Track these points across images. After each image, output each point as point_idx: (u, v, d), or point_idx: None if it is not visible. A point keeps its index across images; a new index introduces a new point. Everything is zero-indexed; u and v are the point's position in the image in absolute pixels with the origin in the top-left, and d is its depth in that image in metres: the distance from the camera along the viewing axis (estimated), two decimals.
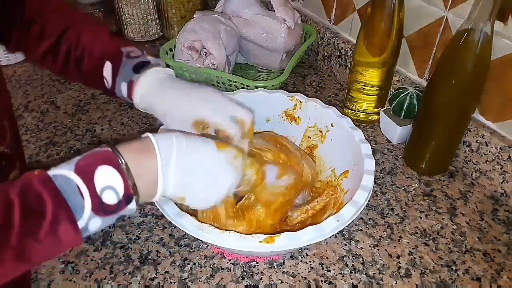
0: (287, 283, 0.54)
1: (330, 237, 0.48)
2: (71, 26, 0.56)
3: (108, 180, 0.38)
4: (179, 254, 0.57)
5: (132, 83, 0.53)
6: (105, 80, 0.55)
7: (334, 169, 0.64)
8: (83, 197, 0.36)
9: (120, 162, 0.39)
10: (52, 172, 0.37)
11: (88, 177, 0.37)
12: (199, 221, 0.48)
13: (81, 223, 0.36)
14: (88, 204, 0.36)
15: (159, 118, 0.54)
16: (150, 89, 0.53)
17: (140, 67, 0.54)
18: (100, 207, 0.37)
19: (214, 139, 0.47)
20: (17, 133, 0.54)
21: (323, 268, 0.56)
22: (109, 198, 0.38)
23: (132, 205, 0.40)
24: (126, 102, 0.86)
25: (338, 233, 0.59)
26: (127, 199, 0.39)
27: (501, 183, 0.66)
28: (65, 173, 0.37)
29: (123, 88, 0.54)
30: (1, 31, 0.56)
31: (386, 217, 0.63)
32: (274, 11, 0.88)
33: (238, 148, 0.50)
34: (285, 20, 0.87)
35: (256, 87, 0.77)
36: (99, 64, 0.55)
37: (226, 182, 0.46)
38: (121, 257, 0.57)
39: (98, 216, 0.37)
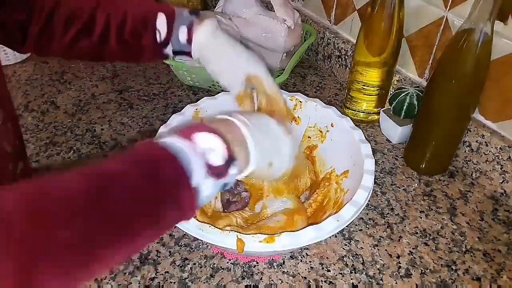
0: (287, 283, 0.54)
1: (330, 237, 0.48)
2: (99, 2, 0.55)
3: (209, 143, 0.38)
4: (179, 254, 0.57)
5: (193, 25, 0.55)
6: (157, 34, 0.55)
7: (334, 169, 0.64)
8: (189, 159, 0.36)
9: (215, 129, 0.40)
10: (161, 141, 0.37)
11: (190, 139, 0.38)
12: (198, 221, 0.48)
13: (194, 183, 0.37)
14: (197, 164, 0.37)
15: (211, 70, 0.57)
16: (207, 40, 0.55)
17: (196, 12, 0.56)
18: (213, 171, 0.38)
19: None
20: (20, 134, 0.54)
21: (323, 268, 0.56)
22: (214, 159, 0.38)
23: (234, 170, 0.40)
24: (126, 103, 0.86)
25: (338, 233, 0.59)
26: (229, 161, 0.39)
27: (501, 183, 0.66)
28: (170, 140, 0.37)
29: (182, 32, 0.55)
30: (18, 30, 0.55)
31: (386, 217, 0.63)
32: (274, 11, 0.88)
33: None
34: (285, 20, 0.87)
35: None
36: (148, 19, 0.55)
37: (288, 150, 0.49)
38: None
39: (208, 177, 0.37)
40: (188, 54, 0.57)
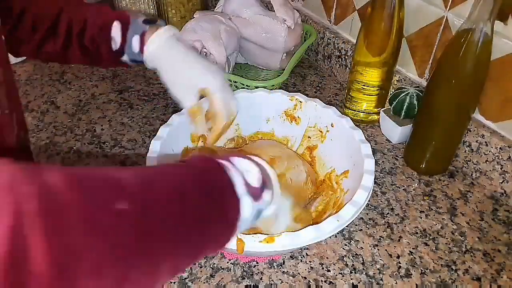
0: (287, 283, 0.54)
1: (330, 237, 0.48)
2: (65, 6, 0.56)
3: (245, 165, 0.39)
4: None
5: (145, 34, 0.55)
6: (112, 42, 0.56)
7: (334, 169, 0.64)
8: (233, 174, 0.37)
9: (250, 157, 0.40)
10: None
11: (229, 160, 0.38)
12: None
13: (238, 193, 0.36)
14: (238, 179, 0.37)
15: (164, 81, 0.57)
16: (161, 48, 0.55)
17: (151, 22, 0.56)
18: (248, 185, 0.37)
19: None
20: (26, 128, 0.53)
21: (323, 268, 0.56)
22: (252, 179, 0.38)
23: (267, 196, 0.39)
24: (126, 103, 0.86)
25: (338, 233, 0.59)
26: (263, 185, 0.39)
27: (501, 183, 0.66)
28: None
29: (135, 41, 0.56)
30: None
31: (386, 217, 0.63)
32: (274, 11, 0.88)
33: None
34: (285, 20, 0.87)
35: (256, 87, 0.77)
36: (104, 28, 0.56)
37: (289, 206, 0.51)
38: None
39: (247, 194, 0.37)
40: (142, 63, 0.58)
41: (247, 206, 0.37)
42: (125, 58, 0.58)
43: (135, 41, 0.56)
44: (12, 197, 0.22)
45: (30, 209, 0.22)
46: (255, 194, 0.38)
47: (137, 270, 0.27)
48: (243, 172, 0.38)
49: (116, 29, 0.56)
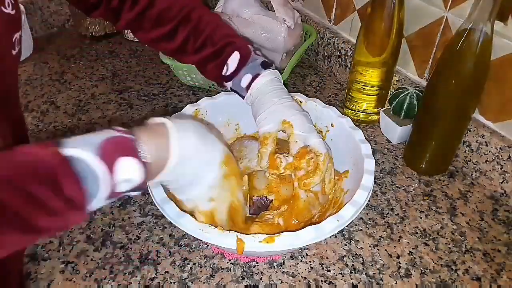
0: (287, 283, 0.54)
1: (330, 237, 0.48)
2: (188, 14, 0.60)
3: (127, 173, 0.36)
4: (179, 254, 0.57)
5: (257, 77, 0.59)
6: (225, 67, 0.60)
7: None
8: (99, 187, 0.34)
9: (140, 151, 0.38)
10: (69, 152, 0.33)
11: (110, 167, 0.35)
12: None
13: (90, 206, 0.35)
14: (102, 193, 0.35)
15: (255, 113, 0.60)
16: (265, 86, 0.59)
17: (267, 66, 0.60)
18: (112, 195, 0.37)
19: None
20: (25, 133, 0.53)
21: (323, 268, 0.56)
22: (123, 188, 0.37)
23: (137, 193, 0.40)
24: (126, 103, 0.86)
25: (338, 233, 0.59)
26: (137, 189, 0.39)
27: (501, 183, 0.66)
28: (85, 157, 0.34)
29: (246, 79, 0.59)
30: (111, 14, 0.61)
31: (386, 217, 0.63)
32: (274, 11, 0.88)
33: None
34: (285, 20, 0.87)
35: None
36: (224, 52, 0.59)
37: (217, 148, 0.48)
38: (121, 257, 0.57)
39: (108, 198, 0.37)
40: (242, 96, 0.61)
41: (97, 205, 0.36)
42: (228, 83, 0.62)
43: (246, 78, 0.59)
44: None
45: None
46: (121, 196, 0.38)
47: None
48: (116, 183, 0.36)
49: (233, 60, 0.59)
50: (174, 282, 0.54)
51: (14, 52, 0.42)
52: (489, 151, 0.66)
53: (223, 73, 0.60)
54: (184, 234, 0.60)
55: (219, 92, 0.68)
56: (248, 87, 0.59)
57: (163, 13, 0.59)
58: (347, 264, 0.56)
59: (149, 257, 0.57)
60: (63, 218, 0.34)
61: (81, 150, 0.34)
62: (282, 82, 0.62)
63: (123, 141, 0.37)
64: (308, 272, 0.55)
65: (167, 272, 0.55)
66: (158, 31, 0.60)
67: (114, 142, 0.37)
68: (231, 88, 0.62)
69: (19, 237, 0.33)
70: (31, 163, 0.33)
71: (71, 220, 0.35)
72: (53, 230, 0.35)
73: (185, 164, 0.43)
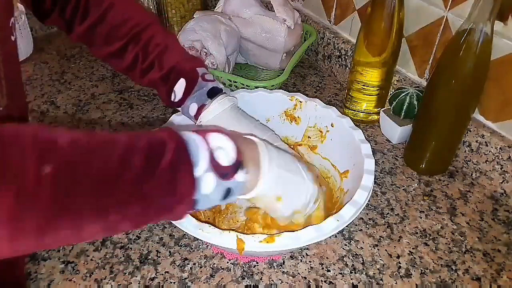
0: (287, 283, 0.54)
1: (330, 237, 0.48)
2: (139, 33, 0.58)
3: (220, 142, 0.39)
4: (179, 254, 0.57)
5: (203, 107, 0.57)
6: (173, 94, 0.58)
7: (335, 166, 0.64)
8: (198, 150, 0.37)
9: (231, 135, 0.40)
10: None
11: (203, 135, 0.38)
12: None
13: (196, 172, 0.36)
14: (203, 156, 0.37)
15: None
16: (218, 118, 0.57)
17: (215, 94, 0.58)
18: (214, 163, 0.37)
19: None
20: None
21: (323, 268, 0.56)
22: (222, 157, 0.38)
23: (241, 177, 0.40)
24: (126, 103, 0.86)
25: (338, 233, 0.59)
26: (237, 165, 0.39)
27: (501, 183, 0.66)
28: (184, 131, 0.38)
29: (193, 108, 0.58)
30: (65, 25, 0.59)
31: (386, 217, 0.63)
32: (274, 11, 0.88)
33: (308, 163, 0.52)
34: (285, 20, 0.87)
35: (256, 87, 0.77)
36: (170, 78, 0.58)
37: (306, 189, 0.48)
38: (121, 257, 0.57)
39: (212, 172, 0.37)
40: (194, 122, 0.60)
41: (209, 182, 0.37)
42: (179, 109, 0.61)
43: (192, 108, 0.58)
44: None
45: None
46: (224, 172, 0.38)
47: (56, 224, 0.30)
48: (213, 149, 0.38)
49: (180, 87, 0.57)
50: (174, 282, 0.54)
51: (13, 38, 0.42)
52: (489, 151, 0.66)
53: (172, 99, 0.59)
54: (184, 234, 0.60)
55: None
56: (196, 116, 0.58)
57: (113, 30, 0.58)
58: (347, 264, 0.56)
59: (149, 257, 0.57)
60: (170, 182, 0.35)
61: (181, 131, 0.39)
62: (235, 103, 0.60)
63: (216, 128, 0.42)
64: (308, 272, 0.55)
65: (167, 272, 0.55)
66: (108, 48, 0.59)
67: (206, 128, 0.41)
68: (184, 114, 0.61)
69: (137, 208, 0.34)
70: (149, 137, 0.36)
71: (182, 190, 0.36)
72: (166, 204, 0.36)
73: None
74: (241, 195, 0.43)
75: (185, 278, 0.54)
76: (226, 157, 0.38)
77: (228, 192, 0.39)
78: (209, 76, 0.59)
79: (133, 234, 0.60)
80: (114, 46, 0.58)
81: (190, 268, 0.55)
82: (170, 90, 0.58)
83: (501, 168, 0.65)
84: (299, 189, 0.47)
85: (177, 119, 0.62)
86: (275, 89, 0.75)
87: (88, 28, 0.58)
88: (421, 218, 0.63)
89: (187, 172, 0.36)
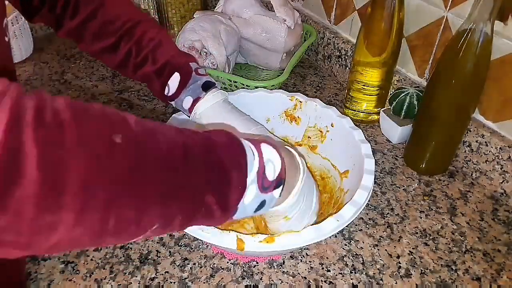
0: (287, 283, 0.54)
1: (330, 237, 0.48)
2: (132, 28, 0.59)
3: (270, 155, 0.39)
4: (179, 254, 0.57)
5: (198, 100, 0.58)
6: (167, 87, 0.59)
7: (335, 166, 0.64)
8: (254, 157, 0.37)
9: (276, 145, 0.40)
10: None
11: (255, 144, 0.39)
12: None
13: (248, 182, 0.36)
14: (256, 165, 0.37)
15: None
16: (211, 109, 0.58)
17: (208, 87, 0.59)
18: (263, 176, 0.37)
19: None
20: None
21: (323, 268, 0.56)
22: (270, 171, 0.38)
23: (277, 193, 0.40)
24: (126, 103, 0.86)
25: (338, 233, 0.59)
26: (279, 181, 0.39)
27: (501, 183, 0.66)
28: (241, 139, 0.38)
29: (187, 101, 0.59)
30: (54, 20, 0.59)
31: (386, 217, 0.63)
32: (274, 11, 0.88)
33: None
34: (285, 20, 0.87)
35: (256, 87, 0.77)
36: (164, 72, 0.59)
37: (309, 219, 0.49)
38: (121, 257, 0.57)
39: (256, 183, 0.37)
40: (187, 116, 0.61)
41: (251, 193, 0.37)
42: (172, 103, 0.61)
43: (187, 101, 0.59)
44: (13, 103, 0.23)
45: (29, 114, 0.24)
46: (266, 186, 0.38)
47: (123, 201, 0.28)
48: (265, 161, 0.38)
49: (174, 81, 0.59)
50: (174, 282, 0.54)
51: (6, 39, 0.42)
52: (489, 151, 0.66)
53: (165, 93, 0.60)
54: (184, 234, 0.60)
55: None
56: (190, 109, 0.59)
57: (105, 26, 0.58)
58: (347, 264, 0.56)
59: (149, 257, 0.57)
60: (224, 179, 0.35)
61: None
62: (227, 97, 0.61)
63: (263, 138, 0.42)
64: (308, 272, 0.55)
65: (167, 272, 0.55)
66: (100, 44, 0.59)
67: (254, 138, 0.41)
68: (176, 108, 0.62)
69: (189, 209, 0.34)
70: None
71: (232, 182, 0.36)
72: (214, 201, 0.35)
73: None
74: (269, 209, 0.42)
75: (185, 278, 0.54)
76: (273, 172, 0.38)
77: (262, 205, 0.39)
78: (201, 70, 0.61)
79: None
80: (106, 41, 0.59)
81: (190, 268, 0.55)
82: (164, 84, 0.59)
83: (501, 168, 0.65)
84: (304, 217, 0.48)
85: (176, 119, 0.62)
86: (275, 89, 0.75)
87: (79, 23, 0.58)
88: (421, 218, 0.63)
89: (241, 180, 0.36)
